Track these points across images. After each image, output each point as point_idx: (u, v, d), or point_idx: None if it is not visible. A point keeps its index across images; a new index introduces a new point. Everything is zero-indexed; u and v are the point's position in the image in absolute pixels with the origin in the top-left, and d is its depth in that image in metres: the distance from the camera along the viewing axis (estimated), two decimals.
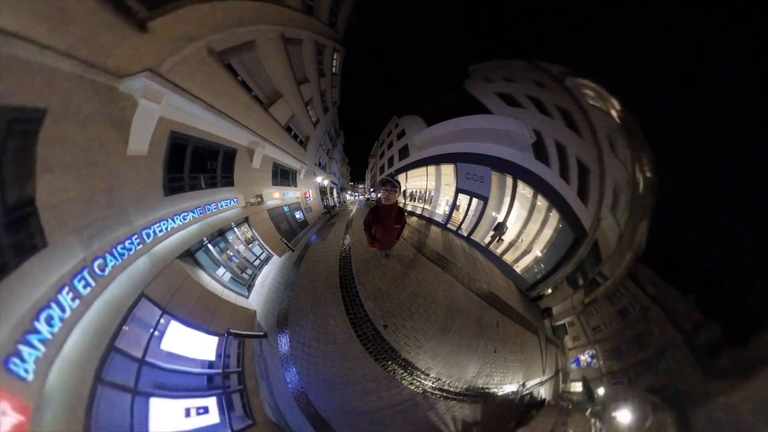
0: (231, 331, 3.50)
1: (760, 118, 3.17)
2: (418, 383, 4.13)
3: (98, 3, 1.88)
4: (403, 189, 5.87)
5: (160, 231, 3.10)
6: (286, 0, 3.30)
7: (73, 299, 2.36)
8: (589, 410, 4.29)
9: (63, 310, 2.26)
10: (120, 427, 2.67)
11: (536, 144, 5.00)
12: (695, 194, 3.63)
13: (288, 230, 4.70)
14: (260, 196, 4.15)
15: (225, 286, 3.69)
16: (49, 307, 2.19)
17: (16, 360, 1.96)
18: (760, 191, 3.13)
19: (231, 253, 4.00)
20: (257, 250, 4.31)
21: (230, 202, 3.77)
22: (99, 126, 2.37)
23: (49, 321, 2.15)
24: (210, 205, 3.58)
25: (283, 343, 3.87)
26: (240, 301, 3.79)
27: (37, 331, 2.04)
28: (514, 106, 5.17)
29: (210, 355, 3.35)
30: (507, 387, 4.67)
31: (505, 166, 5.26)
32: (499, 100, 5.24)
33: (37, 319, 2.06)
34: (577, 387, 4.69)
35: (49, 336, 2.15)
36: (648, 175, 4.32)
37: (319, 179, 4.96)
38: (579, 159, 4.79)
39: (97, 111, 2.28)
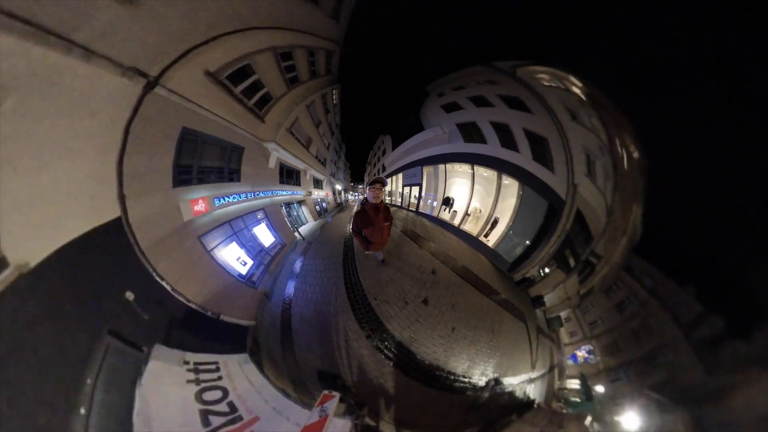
0: (295, 226, 8.13)
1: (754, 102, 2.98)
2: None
3: (249, 113, 7.76)
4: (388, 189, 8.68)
5: (278, 194, 8.53)
6: (303, 77, 7.28)
7: (245, 198, 7.85)
8: (588, 412, 4.05)
9: (239, 196, 7.12)
10: (213, 242, 5.79)
11: (465, 131, 6.10)
12: (691, 179, 3.43)
13: (319, 211, 9.18)
14: (310, 192, 8.95)
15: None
16: (235, 195, 7.29)
17: (218, 199, 6.08)
18: (758, 177, 2.97)
19: (291, 213, 8.90)
20: (302, 217, 8.97)
21: (299, 192, 8.87)
22: (259, 155, 8.17)
23: (232, 197, 7.74)
24: (294, 192, 8.83)
25: (298, 263, 7.90)
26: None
27: (230, 197, 7.25)
28: (453, 111, 6.32)
29: (268, 243, 7.99)
30: (459, 370, 4.06)
31: (434, 160, 7.00)
32: (442, 111, 6.57)
33: (231, 195, 7.12)
34: (573, 384, 4.45)
35: (230, 200, 7.18)
36: (635, 154, 4.17)
37: (336, 186, 9.21)
38: (528, 130, 5.15)
39: (259, 150, 8.18)
